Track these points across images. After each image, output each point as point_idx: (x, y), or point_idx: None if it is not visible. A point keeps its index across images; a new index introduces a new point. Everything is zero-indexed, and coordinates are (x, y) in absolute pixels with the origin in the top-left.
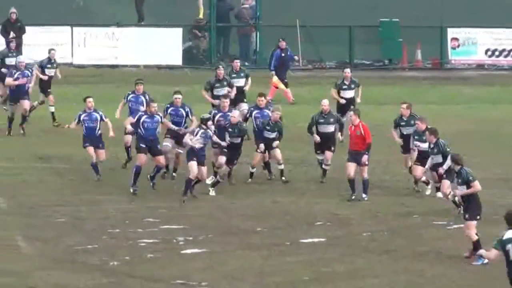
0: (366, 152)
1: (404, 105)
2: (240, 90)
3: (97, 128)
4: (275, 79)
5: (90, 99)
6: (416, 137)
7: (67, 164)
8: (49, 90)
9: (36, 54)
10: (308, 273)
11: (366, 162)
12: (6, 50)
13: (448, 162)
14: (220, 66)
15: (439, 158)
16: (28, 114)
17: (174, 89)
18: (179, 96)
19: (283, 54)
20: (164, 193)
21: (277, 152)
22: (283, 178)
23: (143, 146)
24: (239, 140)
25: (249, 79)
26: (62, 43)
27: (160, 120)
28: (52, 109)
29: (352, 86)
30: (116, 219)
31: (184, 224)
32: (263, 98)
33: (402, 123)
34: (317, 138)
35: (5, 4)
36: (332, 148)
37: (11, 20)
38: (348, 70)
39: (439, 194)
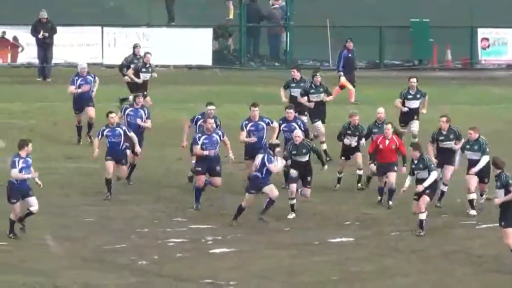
0: (404, 164)
1: (444, 118)
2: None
3: (121, 143)
4: (343, 79)
5: (113, 115)
6: (467, 146)
7: (96, 164)
8: (145, 93)
9: (66, 55)
10: (337, 272)
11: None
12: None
13: (432, 178)
14: (318, 74)
15: (424, 174)
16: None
17: (204, 88)
18: (213, 107)
19: (350, 55)
20: (192, 193)
21: (358, 156)
22: (359, 185)
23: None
24: (307, 157)
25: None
26: (92, 43)
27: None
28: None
29: (418, 96)
30: (144, 219)
31: (213, 224)
32: (291, 111)
33: (441, 138)
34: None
35: (36, 5)
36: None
37: (42, 21)
38: (414, 80)
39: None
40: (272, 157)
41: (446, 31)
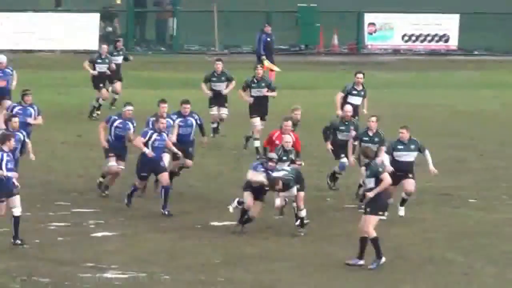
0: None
1: (374, 118)
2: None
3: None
4: (266, 63)
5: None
6: (400, 147)
7: None
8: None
9: None
10: (219, 256)
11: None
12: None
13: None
14: (259, 67)
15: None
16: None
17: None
18: (131, 108)
19: (268, 39)
20: (77, 178)
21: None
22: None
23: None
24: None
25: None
26: None
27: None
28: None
29: (362, 93)
30: (27, 203)
31: (95, 208)
32: (188, 106)
33: (365, 138)
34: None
35: None
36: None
37: None
38: (361, 76)
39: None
40: (260, 166)
41: (333, 16)
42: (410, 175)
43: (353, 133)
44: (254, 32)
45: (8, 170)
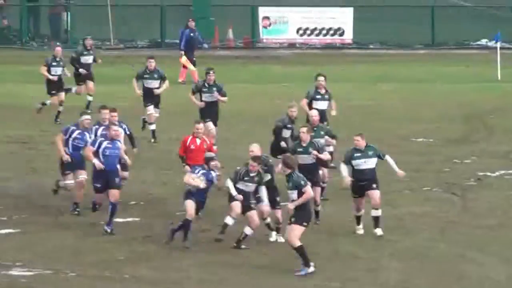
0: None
1: (304, 129)
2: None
3: None
4: (183, 59)
5: None
6: (356, 155)
7: None
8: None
9: None
10: (123, 252)
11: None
12: (82, 48)
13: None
14: (211, 72)
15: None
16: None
17: None
18: (88, 117)
19: (191, 34)
20: None
21: None
22: None
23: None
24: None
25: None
26: None
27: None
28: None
29: (326, 96)
30: None
31: None
32: (115, 114)
33: (300, 149)
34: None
35: None
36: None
37: None
38: (322, 78)
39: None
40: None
41: (227, 10)
42: (374, 185)
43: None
44: (149, 26)
45: None
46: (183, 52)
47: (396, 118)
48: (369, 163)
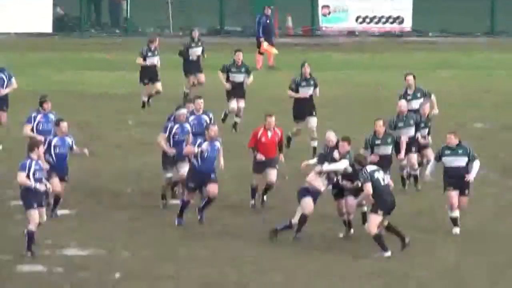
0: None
1: (380, 122)
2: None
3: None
4: (265, 45)
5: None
6: (447, 152)
7: None
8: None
9: None
10: (178, 232)
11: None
12: (190, 40)
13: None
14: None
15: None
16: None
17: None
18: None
19: (268, 21)
20: None
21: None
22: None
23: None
24: None
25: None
26: None
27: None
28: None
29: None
30: None
31: None
32: (202, 101)
33: (377, 142)
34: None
35: None
36: None
37: None
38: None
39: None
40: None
41: None
42: (466, 191)
43: None
44: (208, 14)
45: None
46: (263, 39)
47: (454, 104)
48: (459, 161)
